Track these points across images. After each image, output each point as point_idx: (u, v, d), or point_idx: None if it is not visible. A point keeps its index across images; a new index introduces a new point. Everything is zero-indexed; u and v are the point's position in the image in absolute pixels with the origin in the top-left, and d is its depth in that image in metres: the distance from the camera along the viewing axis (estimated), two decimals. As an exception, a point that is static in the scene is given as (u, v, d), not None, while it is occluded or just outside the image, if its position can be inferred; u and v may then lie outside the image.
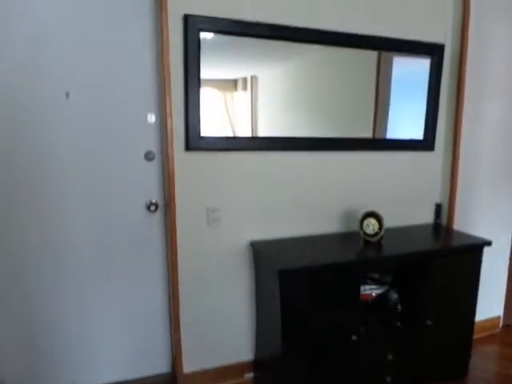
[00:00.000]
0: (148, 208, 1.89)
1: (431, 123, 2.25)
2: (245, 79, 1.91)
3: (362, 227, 2.00)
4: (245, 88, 1.92)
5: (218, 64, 1.83)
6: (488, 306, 2.57)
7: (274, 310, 1.71)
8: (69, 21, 1.66)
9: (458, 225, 2.34)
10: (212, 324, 1.99)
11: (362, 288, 1.95)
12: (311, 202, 2.08)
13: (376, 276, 2.07)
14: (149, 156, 1.86)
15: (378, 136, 2.19)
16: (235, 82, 1.91)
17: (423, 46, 2.14)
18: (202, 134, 1.79)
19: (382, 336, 1.91)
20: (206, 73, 1.76)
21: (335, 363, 1.78)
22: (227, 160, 1.88)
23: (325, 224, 2.13)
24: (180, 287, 1.89)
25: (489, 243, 1.98)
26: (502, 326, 2.67)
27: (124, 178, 1.85)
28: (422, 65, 2.20)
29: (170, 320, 2.02)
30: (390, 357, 1.88)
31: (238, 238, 1.95)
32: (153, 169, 1.88)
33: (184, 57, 1.70)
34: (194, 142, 1.79)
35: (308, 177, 2.05)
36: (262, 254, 1.84)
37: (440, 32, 2.19)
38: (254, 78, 1.92)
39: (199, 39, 1.69)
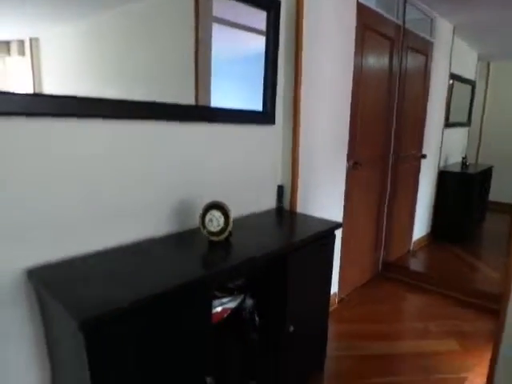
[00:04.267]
0: None
1: (270, 92, 1.91)
2: (21, 42, 1.27)
3: (203, 224, 1.49)
4: (22, 52, 1.28)
5: None
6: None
7: (84, 378, 1.03)
8: None
9: (300, 207, 2.13)
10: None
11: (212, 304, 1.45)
12: (125, 196, 1.42)
13: (229, 285, 1.61)
14: None
15: (202, 103, 1.67)
16: (7, 44, 1.26)
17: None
18: None
19: (241, 362, 1.48)
20: None
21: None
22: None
23: (149, 225, 1.52)
24: None
25: (340, 225, 1.80)
26: (338, 302, 2.70)
27: None
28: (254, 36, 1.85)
29: None
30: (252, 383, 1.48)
31: (3, 263, 1.13)
32: None
33: None
34: None
35: (116, 159, 1.38)
36: (50, 291, 1.09)
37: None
38: (33, 41, 1.28)
39: None
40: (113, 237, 1.39)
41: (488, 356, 1.69)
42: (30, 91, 1.19)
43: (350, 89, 2.37)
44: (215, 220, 1.48)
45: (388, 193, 3.13)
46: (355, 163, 2.55)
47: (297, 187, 2.08)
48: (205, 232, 1.49)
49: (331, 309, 2.57)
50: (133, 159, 1.43)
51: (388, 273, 3.21)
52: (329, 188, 2.38)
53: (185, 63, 1.63)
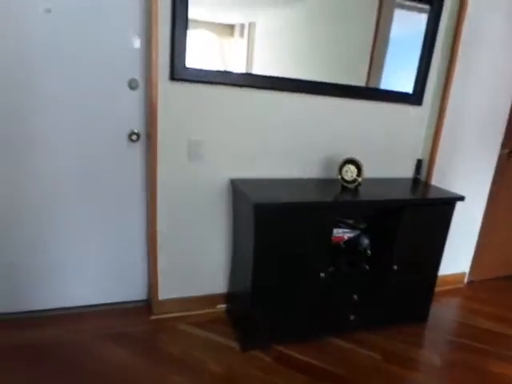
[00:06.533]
0: (130, 137, 1.88)
1: (422, 77, 2.23)
2: (242, 26, 1.86)
3: (340, 173, 2.04)
4: (242, 34, 1.87)
5: (212, 5, 1.76)
6: (456, 262, 2.70)
7: (248, 244, 1.77)
8: None
9: (436, 181, 2.39)
10: (189, 257, 2.07)
11: (335, 230, 2.02)
12: (295, 146, 2.09)
13: (350, 222, 2.14)
14: (132, 84, 1.83)
15: (371, 85, 2.16)
16: (232, 27, 1.86)
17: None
18: (188, 65, 1.76)
19: (350, 277, 2.00)
20: (200, 14, 1.73)
21: (302, 298, 1.88)
22: (214, 94, 1.86)
23: (306, 168, 2.16)
24: (158, 218, 1.93)
25: (461, 198, 2.04)
26: (467, 282, 2.81)
27: (107, 106, 1.82)
28: (420, 19, 2.15)
29: (148, 250, 2.09)
30: (355, 297, 1.99)
31: (218, 173, 1.98)
32: (136, 98, 1.85)
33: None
34: (179, 71, 1.75)
35: (295, 120, 2.05)
36: (240, 190, 1.87)
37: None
38: (251, 25, 1.86)
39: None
40: (283, 171, 2.10)
41: None
42: (245, 67, 1.88)
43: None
44: (350, 172, 2.01)
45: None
46: (511, 152, 2.54)
47: (434, 163, 2.35)
48: (340, 179, 2.03)
49: (457, 286, 2.74)
50: (309, 122, 2.07)
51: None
52: (472, 170, 2.51)
53: (364, 52, 2.11)
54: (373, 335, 2.09)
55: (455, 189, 2.41)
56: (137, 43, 1.78)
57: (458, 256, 2.69)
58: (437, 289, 2.52)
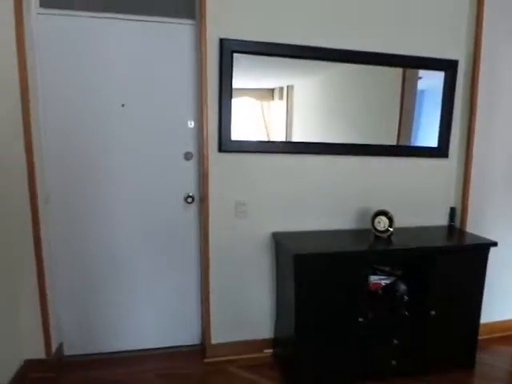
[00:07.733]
0: (186, 200, 2.23)
1: (445, 132, 2.42)
2: (281, 89, 2.14)
3: (373, 224, 2.21)
4: (281, 97, 2.15)
5: (254, 75, 2.11)
6: (505, 308, 2.67)
7: (290, 292, 1.97)
8: (123, 47, 2.05)
9: (470, 227, 2.47)
10: (238, 304, 2.29)
11: (372, 278, 2.17)
12: (331, 201, 2.33)
13: (387, 269, 2.27)
14: (188, 156, 2.20)
15: (401, 143, 2.38)
16: (272, 91, 2.15)
17: (438, 62, 2.33)
18: (233, 138, 2.10)
19: (388, 322, 2.10)
20: (242, 83, 2.07)
21: (343, 342, 2.01)
22: (256, 161, 2.18)
23: (341, 221, 2.36)
24: (210, 270, 2.21)
25: (494, 244, 2.12)
26: (519, 330, 2.73)
27: (166, 174, 2.20)
28: (441, 78, 2.38)
29: (202, 299, 2.34)
30: (395, 341, 2.07)
31: (261, 229, 2.24)
32: (191, 167, 2.22)
33: (219, 74, 2.02)
34: (226, 144, 2.10)
35: (330, 178, 2.31)
36: (281, 243, 2.11)
37: (455, 49, 2.37)
38: (289, 88, 2.14)
39: (232, 59, 2.01)
40: (320, 224, 2.32)
41: None
42: (284, 132, 2.15)
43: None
44: (382, 222, 2.18)
45: None
46: (548, 195, 2.58)
47: (467, 211, 2.45)
48: (373, 230, 2.21)
49: (507, 333, 2.68)
50: (344, 179, 2.31)
51: None
52: (508, 214, 2.56)
53: (393, 113, 2.36)
54: (417, 381, 2.13)
55: (492, 234, 2.46)
56: (191, 124, 2.17)
57: (506, 302, 2.67)
58: (486, 336, 2.53)
